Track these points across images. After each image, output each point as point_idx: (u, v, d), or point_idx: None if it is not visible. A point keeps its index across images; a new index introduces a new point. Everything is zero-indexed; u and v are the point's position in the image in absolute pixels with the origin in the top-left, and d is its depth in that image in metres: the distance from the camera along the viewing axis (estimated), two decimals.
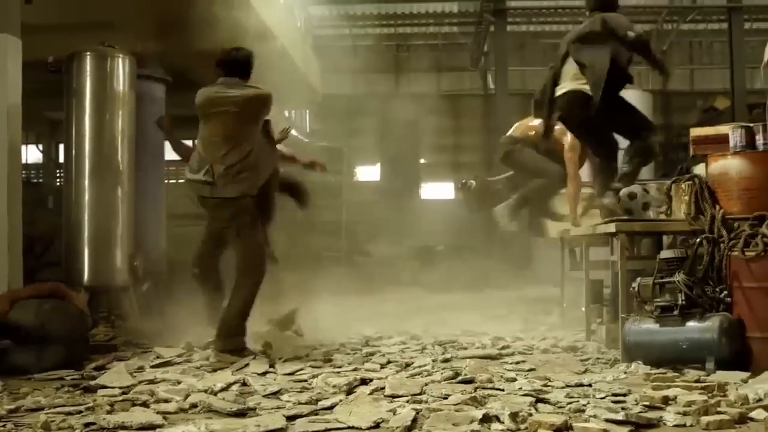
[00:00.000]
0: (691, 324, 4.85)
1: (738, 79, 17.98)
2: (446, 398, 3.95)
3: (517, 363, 5.32)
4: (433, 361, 5.34)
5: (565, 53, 6.65)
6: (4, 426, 3.56)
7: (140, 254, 8.09)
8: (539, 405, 3.80)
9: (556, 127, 7.54)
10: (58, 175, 17.41)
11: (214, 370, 5.08)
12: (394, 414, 3.62)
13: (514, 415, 3.45)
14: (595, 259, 6.79)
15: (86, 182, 7.82)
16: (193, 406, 3.95)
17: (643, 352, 5.03)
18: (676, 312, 4.90)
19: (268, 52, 10.56)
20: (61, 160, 13.78)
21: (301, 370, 5.05)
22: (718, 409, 3.58)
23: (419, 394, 4.11)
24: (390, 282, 13.99)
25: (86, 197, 7.81)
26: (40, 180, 19.04)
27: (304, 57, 16.54)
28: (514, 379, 4.52)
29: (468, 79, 23.55)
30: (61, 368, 5.08)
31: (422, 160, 22.81)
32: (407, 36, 23.73)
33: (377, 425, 3.46)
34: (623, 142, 6.74)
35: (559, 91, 6.68)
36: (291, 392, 4.27)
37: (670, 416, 3.51)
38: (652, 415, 3.53)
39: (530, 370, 5.01)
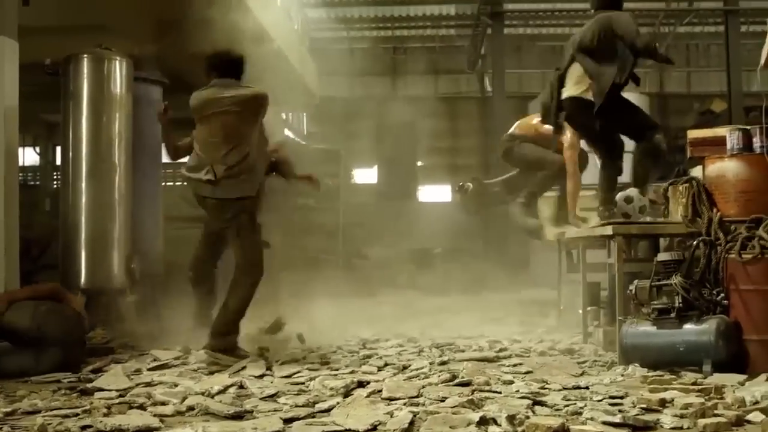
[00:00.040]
0: (688, 326, 4.86)
1: (735, 81, 18.00)
2: (443, 401, 3.95)
3: (514, 365, 5.32)
4: (431, 363, 5.34)
5: (571, 57, 6.62)
6: (0, 429, 3.56)
7: (137, 257, 8.07)
8: (536, 407, 3.80)
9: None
10: (55, 177, 17.36)
11: (211, 373, 5.08)
12: (391, 417, 3.62)
13: (511, 418, 3.45)
14: (592, 261, 6.79)
15: (83, 185, 7.81)
16: (190, 408, 3.94)
17: (640, 355, 5.03)
18: (673, 314, 4.91)
19: (265, 55, 10.56)
20: (58, 162, 13.76)
21: (298, 372, 5.04)
22: (715, 411, 3.58)
23: (416, 396, 4.11)
24: (387, 284, 13.99)
25: (83, 200, 7.79)
26: (37, 182, 18.98)
27: (301, 59, 16.54)
28: (511, 382, 4.52)
29: (465, 81, 23.57)
30: (58, 371, 5.07)
31: (419, 163, 22.82)
32: (404, 39, 23.73)
33: (374, 428, 3.46)
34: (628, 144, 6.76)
35: (565, 93, 6.66)
36: (288, 395, 4.27)
37: (667, 419, 3.51)
38: (649, 417, 3.53)
39: (527, 372, 5.01)
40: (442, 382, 4.53)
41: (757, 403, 3.72)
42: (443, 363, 5.42)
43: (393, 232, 17.86)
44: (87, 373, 5.10)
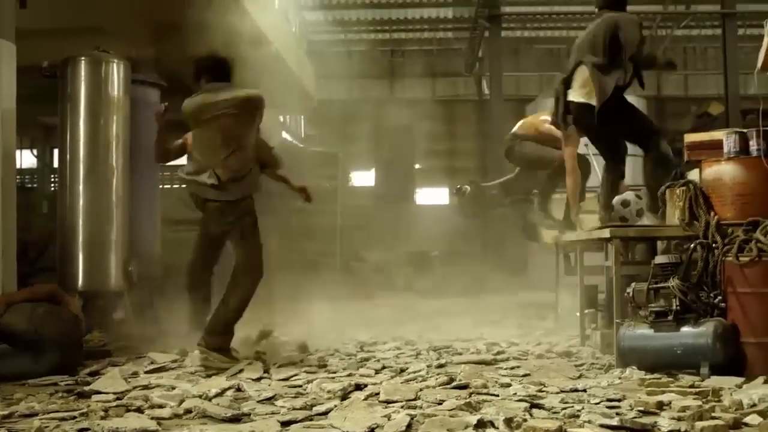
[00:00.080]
0: (685, 329, 4.86)
1: (732, 84, 18.04)
2: (441, 404, 3.95)
3: (512, 368, 5.32)
4: (428, 366, 5.34)
5: (578, 62, 6.60)
6: None
7: (134, 259, 8.07)
8: (534, 410, 3.80)
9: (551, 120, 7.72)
10: (52, 180, 17.36)
11: (209, 376, 5.08)
12: (388, 419, 3.61)
13: (508, 421, 3.45)
14: (589, 264, 6.79)
15: (81, 187, 7.81)
16: (188, 411, 3.94)
17: (638, 358, 5.04)
18: (670, 317, 4.91)
19: (262, 58, 10.57)
20: (56, 165, 13.75)
21: (296, 375, 5.04)
22: (713, 414, 3.58)
23: (414, 399, 4.11)
24: (385, 287, 14.01)
25: (81, 202, 7.80)
26: (35, 185, 18.99)
27: (299, 62, 16.55)
28: (508, 385, 4.52)
29: (462, 84, 23.59)
30: (56, 373, 5.07)
31: (417, 166, 22.84)
32: (402, 41, 23.77)
33: (372, 431, 3.46)
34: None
35: (571, 95, 6.65)
36: (285, 398, 4.27)
37: (664, 421, 3.51)
38: (646, 420, 3.53)
39: (525, 375, 5.01)
40: (439, 385, 4.53)
41: (754, 405, 3.72)
42: (441, 366, 5.42)
43: (391, 235, 17.88)
44: (84, 376, 5.09)
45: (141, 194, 8.59)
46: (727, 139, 5.30)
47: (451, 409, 3.78)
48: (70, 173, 7.87)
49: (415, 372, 5.08)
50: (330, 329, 7.95)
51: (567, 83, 6.66)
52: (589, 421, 3.51)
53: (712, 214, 5.18)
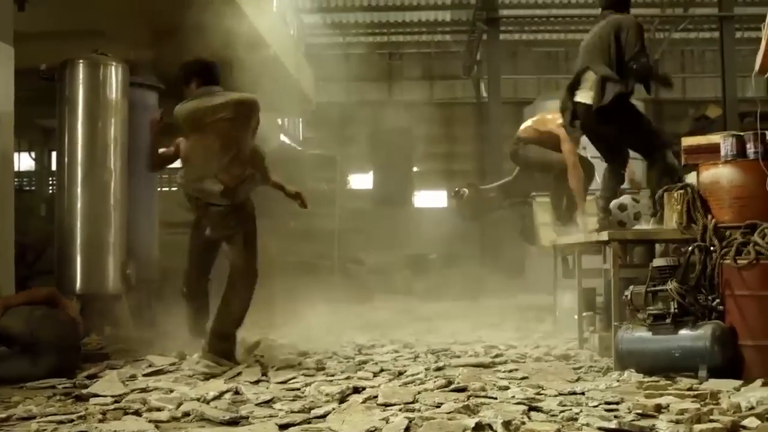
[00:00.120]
0: (683, 332, 4.86)
1: (729, 87, 18.05)
2: (439, 407, 3.95)
3: (510, 371, 5.32)
4: (426, 369, 5.34)
5: (585, 67, 6.59)
6: None
7: (133, 262, 8.07)
8: (532, 413, 3.80)
9: (553, 122, 7.81)
10: (50, 182, 17.36)
11: (207, 379, 5.07)
12: (386, 422, 3.61)
13: (506, 424, 3.45)
14: (587, 267, 6.80)
15: (78, 190, 7.80)
16: (186, 414, 3.93)
17: (636, 360, 5.04)
18: (668, 320, 4.91)
19: (261, 61, 10.58)
20: (54, 167, 13.74)
21: (294, 378, 5.04)
22: (711, 417, 3.58)
23: (412, 402, 4.11)
24: (383, 290, 14.00)
25: (78, 205, 7.78)
26: (33, 188, 18.98)
27: (297, 65, 16.55)
28: (506, 388, 4.52)
29: (461, 87, 23.61)
30: (53, 376, 5.06)
31: (415, 168, 22.84)
32: (400, 44, 23.79)
33: None
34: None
35: (578, 97, 6.64)
36: (283, 401, 4.26)
37: (662, 424, 3.51)
38: (644, 423, 3.53)
39: (523, 378, 5.01)
40: (437, 388, 4.53)
41: (752, 408, 3.72)
42: (439, 369, 5.42)
43: (389, 238, 17.87)
44: (82, 379, 5.08)
45: (139, 197, 8.58)
46: (724, 142, 5.30)
47: (449, 412, 3.78)
48: (68, 176, 7.86)
49: (413, 375, 5.08)
50: (328, 332, 7.96)
51: (573, 87, 6.66)
52: (588, 424, 3.51)
53: (709, 217, 5.18)
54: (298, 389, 4.65)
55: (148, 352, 6.04)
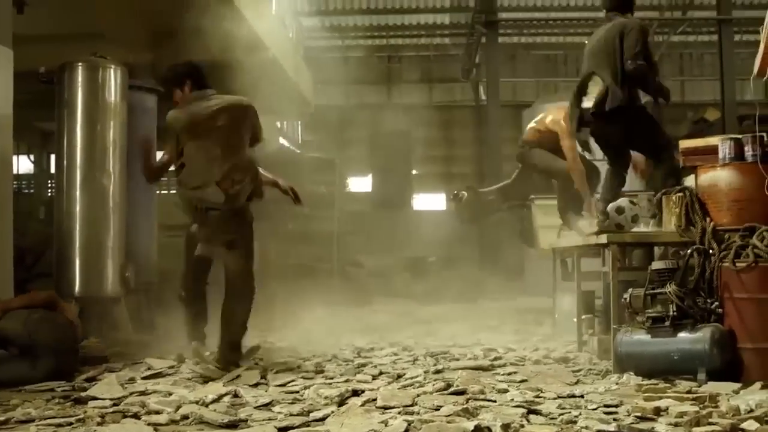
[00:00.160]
0: (682, 335, 4.87)
1: (728, 90, 18.07)
2: (438, 410, 3.94)
3: (509, 374, 5.32)
4: (425, 372, 5.34)
5: (592, 72, 6.60)
6: None
7: (132, 265, 8.06)
8: (531, 416, 3.80)
9: (550, 119, 7.91)
10: (49, 185, 17.34)
11: (206, 382, 5.07)
12: (385, 425, 3.61)
13: (505, 427, 3.45)
14: (586, 270, 6.80)
15: (77, 193, 7.79)
16: (185, 417, 3.93)
17: (635, 363, 5.04)
18: (667, 323, 4.92)
19: (259, 63, 10.58)
20: (53, 170, 13.73)
21: (293, 381, 5.03)
22: (710, 420, 3.59)
23: (411, 405, 4.11)
24: (382, 293, 13.99)
25: (77, 208, 7.78)
26: (32, 190, 18.96)
27: (296, 68, 16.54)
28: (506, 391, 4.52)
29: (459, 90, 23.62)
30: (52, 379, 5.06)
31: (414, 171, 22.85)
32: (399, 47, 23.80)
33: None
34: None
35: (586, 103, 6.64)
36: (282, 404, 4.26)
37: (661, 427, 3.51)
38: (643, 426, 3.53)
39: (522, 381, 5.01)
40: (436, 391, 4.53)
41: (751, 411, 3.72)
42: (438, 372, 5.42)
43: (388, 241, 17.87)
44: (81, 382, 5.08)
45: (138, 200, 8.57)
46: (723, 145, 5.31)
47: (448, 415, 3.78)
48: (67, 179, 7.85)
49: (412, 378, 5.08)
50: (327, 335, 7.96)
51: (580, 93, 6.66)
52: (587, 427, 3.51)
53: (708, 220, 5.19)
54: (297, 392, 4.65)
55: (146, 355, 6.04)
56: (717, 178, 5.25)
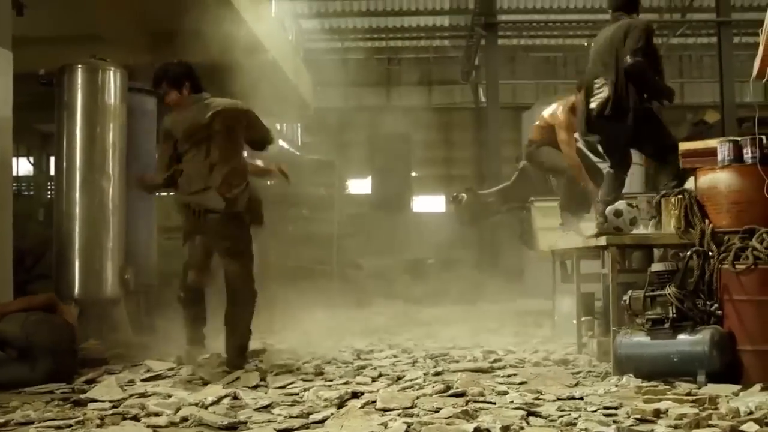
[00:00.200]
0: (682, 337, 4.87)
1: (727, 92, 18.07)
2: (438, 411, 3.94)
3: (509, 376, 5.32)
4: (425, 374, 5.34)
5: (596, 73, 6.60)
6: None
7: (131, 267, 8.06)
8: (531, 418, 3.79)
9: (548, 113, 8.01)
10: (49, 187, 17.33)
11: (205, 384, 5.06)
12: (385, 428, 3.61)
13: (505, 429, 3.45)
14: (586, 272, 6.80)
15: (77, 195, 7.80)
16: (184, 419, 3.93)
17: (635, 365, 5.04)
18: (667, 325, 4.92)
19: (259, 65, 10.58)
20: (52, 172, 13.71)
21: (293, 383, 5.03)
22: (710, 422, 3.58)
23: (411, 407, 4.10)
24: (381, 295, 13.99)
25: (77, 210, 7.78)
26: (31, 192, 18.94)
27: (296, 70, 16.55)
28: (505, 393, 4.52)
29: (459, 92, 23.62)
30: (50, 381, 5.06)
31: (414, 173, 22.85)
32: (398, 49, 23.80)
33: None
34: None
35: (593, 104, 6.64)
36: (282, 406, 4.26)
37: (661, 429, 3.51)
38: (643, 428, 3.53)
39: (522, 383, 5.01)
40: (436, 393, 4.53)
41: (751, 413, 3.72)
42: (437, 374, 5.42)
43: (387, 243, 17.88)
44: (80, 384, 5.08)
45: (137, 201, 8.57)
46: (721, 147, 5.30)
47: (447, 417, 3.77)
48: (67, 181, 7.86)
49: (411, 380, 5.08)
50: (327, 337, 7.96)
51: (587, 93, 6.66)
52: (586, 429, 3.51)
53: (707, 222, 5.19)
54: (297, 394, 4.65)
55: (146, 357, 6.04)
56: (716, 180, 5.25)
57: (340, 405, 4.25)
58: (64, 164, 7.90)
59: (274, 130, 16.63)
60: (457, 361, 6.13)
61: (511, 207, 9.46)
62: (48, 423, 3.84)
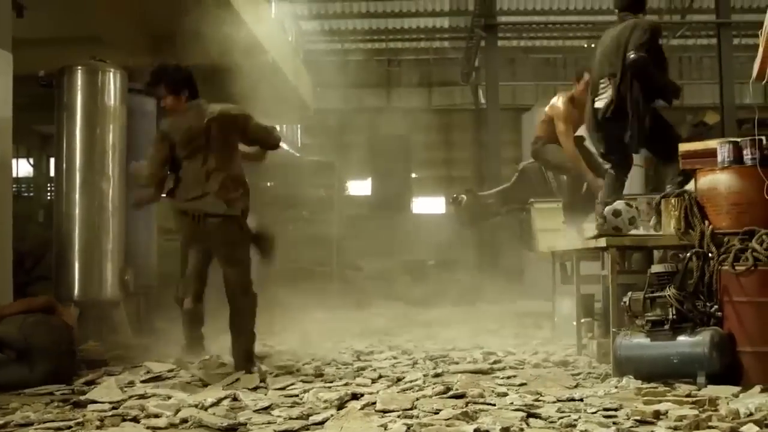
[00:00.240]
0: (681, 338, 4.86)
1: (727, 94, 18.06)
2: (437, 413, 3.94)
3: (509, 378, 5.31)
4: (425, 375, 5.34)
5: (602, 72, 6.60)
6: None
7: (131, 268, 8.06)
8: (530, 420, 3.79)
9: (548, 106, 8.16)
10: (48, 189, 17.34)
11: (205, 385, 5.06)
12: (385, 429, 3.61)
13: (505, 430, 3.46)
14: (586, 273, 6.80)
15: (77, 196, 7.81)
16: (184, 421, 3.93)
17: (634, 367, 5.03)
18: (666, 326, 4.91)
19: (259, 67, 10.58)
20: (52, 174, 13.72)
21: (292, 385, 5.03)
22: (710, 423, 3.59)
23: (410, 409, 4.10)
24: (381, 296, 13.98)
25: (77, 211, 7.79)
26: (31, 194, 18.95)
27: (296, 71, 16.56)
28: (505, 394, 4.52)
29: (459, 93, 23.61)
30: (49, 382, 5.06)
31: (413, 175, 22.84)
32: (398, 51, 23.80)
33: None
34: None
35: (598, 103, 6.65)
36: (282, 407, 4.26)
37: (661, 431, 3.51)
38: (643, 429, 3.54)
39: (521, 384, 5.01)
40: (436, 395, 4.53)
41: (751, 415, 3.72)
42: (437, 375, 5.42)
43: (387, 244, 17.86)
44: (80, 386, 5.08)
45: None
46: (721, 148, 5.30)
47: (447, 419, 3.77)
48: (67, 182, 7.87)
49: (411, 381, 5.08)
50: (326, 338, 7.95)
51: (593, 93, 6.67)
52: (586, 431, 3.51)
53: (707, 223, 5.18)
54: (297, 396, 4.65)
55: (146, 359, 6.03)
56: (716, 181, 5.25)
57: (340, 406, 4.25)
58: (64, 165, 7.90)
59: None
60: (457, 363, 6.12)
61: (510, 208, 9.46)
62: (48, 424, 3.84)
